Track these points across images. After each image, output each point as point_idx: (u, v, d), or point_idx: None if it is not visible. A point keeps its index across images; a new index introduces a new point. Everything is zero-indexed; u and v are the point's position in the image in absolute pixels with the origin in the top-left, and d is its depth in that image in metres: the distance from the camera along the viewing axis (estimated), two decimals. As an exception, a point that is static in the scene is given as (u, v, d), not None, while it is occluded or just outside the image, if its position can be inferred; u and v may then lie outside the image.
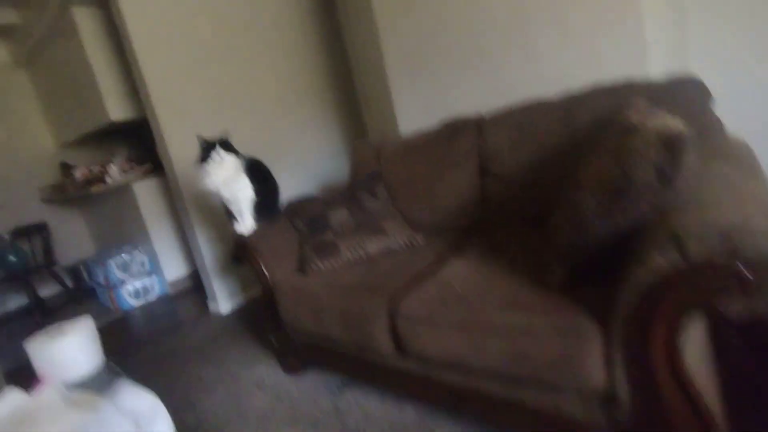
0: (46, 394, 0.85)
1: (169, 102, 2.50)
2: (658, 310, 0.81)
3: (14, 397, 0.84)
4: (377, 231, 1.74)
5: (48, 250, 3.62)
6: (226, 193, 1.74)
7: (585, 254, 1.03)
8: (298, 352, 1.80)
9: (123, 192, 3.34)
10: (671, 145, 0.91)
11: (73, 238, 4.16)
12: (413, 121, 2.26)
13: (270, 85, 2.97)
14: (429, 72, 2.13)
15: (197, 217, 2.65)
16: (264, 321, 1.88)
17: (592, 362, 0.94)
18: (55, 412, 0.82)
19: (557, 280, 1.08)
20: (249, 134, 2.78)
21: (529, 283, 1.16)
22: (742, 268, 0.70)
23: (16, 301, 3.85)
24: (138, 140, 3.76)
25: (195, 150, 2.52)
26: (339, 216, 1.81)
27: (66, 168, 3.75)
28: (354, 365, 1.57)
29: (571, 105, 1.55)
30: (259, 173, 1.82)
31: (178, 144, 2.54)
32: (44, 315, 3.47)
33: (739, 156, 1.19)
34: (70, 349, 1.13)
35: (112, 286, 3.24)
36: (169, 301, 3.32)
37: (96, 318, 3.07)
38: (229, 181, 1.72)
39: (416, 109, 2.25)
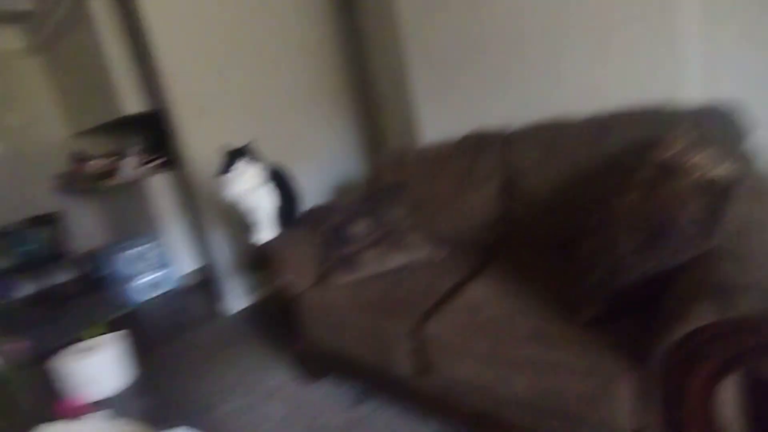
0: (92, 425, 0.86)
1: (186, 97, 2.49)
2: (697, 366, 0.81)
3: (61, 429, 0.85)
4: (399, 245, 1.74)
5: (61, 240, 3.64)
6: (248, 203, 1.74)
7: (618, 295, 1.03)
8: (315, 361, 1.82)
9: (135, 185, 3.34)
10: (716, 193, 0.90)
11: (84, 227, 4.17)
12: (436, 130, 2.23)
13: (285, 82, 2.94)
14: (456, 81, 2.10)
15: (211, 214, 2.65)
16: (281, 328, 1.90)
17: (623, 403, 0.94)
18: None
19: (587, 317, 1.08)
20: (263, 132, 2.77)
21: (557, 316, 1.16)
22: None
23: (28, 289, 3.88)
24: (151, 131, 3.75)
25: (211, 146, 2.52)
26: (360, 227, 1.80)
27: (77, 159, 3.74)
28: (373, 378, 1.58)
29: (601, 127, 1.53)
30: (281, 181, 1.81)
31: (194, 140, 2.54)
32: (56, 304, 3.52)
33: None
34: (99, 366, 1.14)
35: (125, 279, 3.26)
36: (179, 294, 3.35)
37: (108, 310, 3.15)
38: (251, 191, 1.72)
39: (440, 117, 2.23)
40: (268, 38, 2.85)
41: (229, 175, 1.70)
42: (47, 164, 3.98)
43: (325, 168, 3.14)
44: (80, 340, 2.72)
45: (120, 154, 3.63)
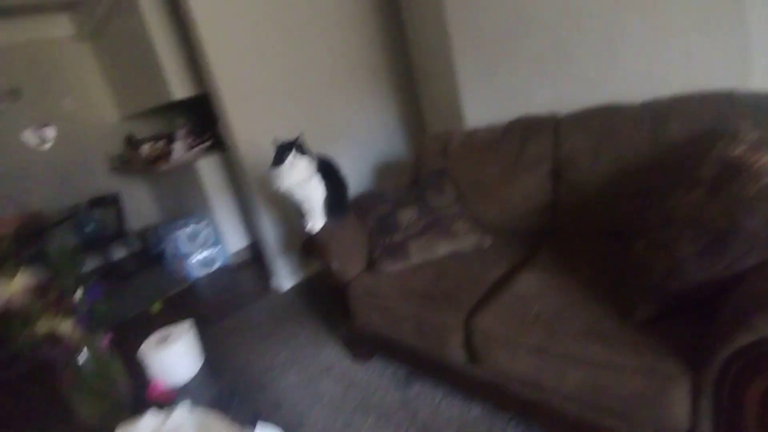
0: (178, 416, 0.96)
1: (231, 81, 2.56)
2: (759, 377, 0.81)
3: (151, 420, 0.96)
4: (446, 233, 1.76)
5: (121, 219, 3.88)
6: (299, 195, 1.80)
7: (676, 297, 1.03)
8: (364, 344, 1.91)
9: (186, 167, 3.49)
10: (788, 199, 0.87)
11: (139, 205, 4.42)
12: (481, 113, 2.20)
13: (326, 63, 2.94)
14: (503, 63, 2.04)
15: (260, 195, 2.76)
16: (331, 308, 1.98)
17: (677, 406, 0.96)
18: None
19: (643, 317, 1.08)
20: (305, 114, 2.82)
21: (610, 313, 1.17)
22: None
23: (90, 264, 4.18)
24: (197, 114, 3.86)
25: (255, 129, 2.60)
26: (408, 215, 1.84)
27: (132, 143, 3.92)
28: (423, 363, 1.65)
29: (660, 114, 1.47)
30: (330, 172, 1.86)
31: (239, 123, 2.61)
32: (119, 279, 3.80)
33: None
34: (176, 355, 1.26)
35: (181, 256, 3.46)
36: (231, 272, 3.53)
37: (166, 286, 3.37)
38: (301, 183, 1.78)
39: (483, 100, 2.19)
40: (310, 21, 2.84)
41: (280, 167, 1.76)
42: (102, 147, 4.20)
43: (365, 148, 3.16)
44: (147, 314, 2.97)
45: (169, 136, 3.79)
